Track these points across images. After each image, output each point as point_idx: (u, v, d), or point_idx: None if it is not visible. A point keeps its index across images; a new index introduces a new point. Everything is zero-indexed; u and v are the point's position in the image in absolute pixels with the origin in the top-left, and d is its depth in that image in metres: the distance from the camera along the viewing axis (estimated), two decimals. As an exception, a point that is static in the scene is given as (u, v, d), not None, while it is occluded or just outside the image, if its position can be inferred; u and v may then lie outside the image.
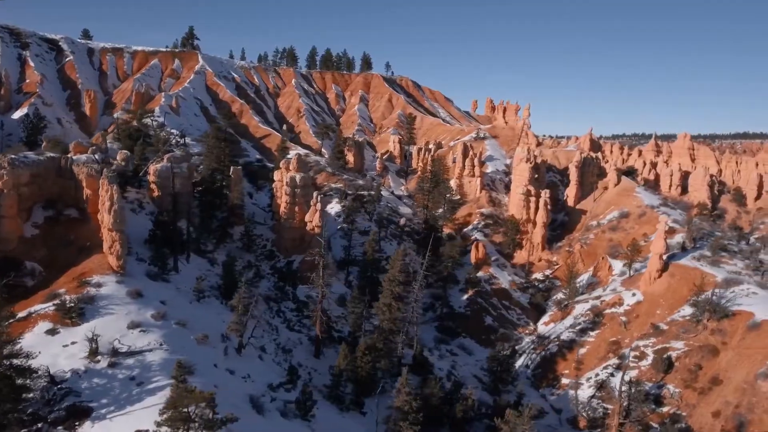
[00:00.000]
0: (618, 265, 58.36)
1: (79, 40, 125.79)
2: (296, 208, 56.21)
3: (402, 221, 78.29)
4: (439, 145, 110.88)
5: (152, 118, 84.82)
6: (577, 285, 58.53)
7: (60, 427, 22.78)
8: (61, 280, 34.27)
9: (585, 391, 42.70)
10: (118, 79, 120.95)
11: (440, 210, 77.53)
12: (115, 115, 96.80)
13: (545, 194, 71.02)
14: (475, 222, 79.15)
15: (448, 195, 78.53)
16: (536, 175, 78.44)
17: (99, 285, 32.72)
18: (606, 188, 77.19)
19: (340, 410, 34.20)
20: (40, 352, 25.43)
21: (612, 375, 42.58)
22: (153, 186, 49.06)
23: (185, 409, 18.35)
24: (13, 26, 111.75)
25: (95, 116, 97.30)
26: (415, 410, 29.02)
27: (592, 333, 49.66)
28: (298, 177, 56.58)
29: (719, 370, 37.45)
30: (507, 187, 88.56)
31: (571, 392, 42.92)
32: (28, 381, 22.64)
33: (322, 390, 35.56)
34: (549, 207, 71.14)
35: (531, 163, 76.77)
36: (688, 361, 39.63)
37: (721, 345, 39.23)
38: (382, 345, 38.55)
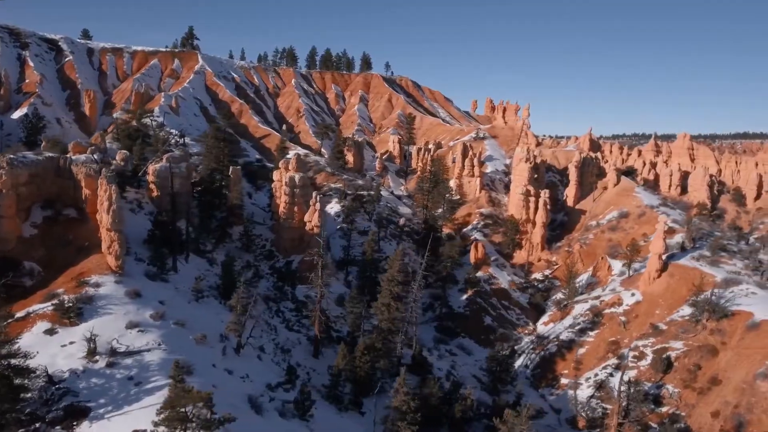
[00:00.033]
0: (617, 265, 58.34)
1: (78, 40, 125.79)
2: (295, 208, 56.17)
3: (401, 221, 78.26)
4: (438, 145, 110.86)
5: (152, 118, 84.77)
6: (577, 285, 58.53)
7: (58, 427, 22.75)
8: (60, 280, 34.24)
9: (584, 391, 42.67)
10: (118, 79, 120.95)
11: (440, 210, 77.51)
12: (114, 115, 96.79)
13: (545, 194, 71.00)
14: (474, 222, 79.13)
15: (447, 195, 78.52)
16: (536, 175, 78.45)
17: (97, 285, 32.69)
18: (605, 188, 77.17)
19: (339, 410, 34.19)
20: (38, 352, 25.44)
21: (611, 375, 42.55)
22: (152, 186, 49.05)
23: (182, 409, 18.33)
24: (12, 26, 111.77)
25: (95, 116, 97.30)
26: (413, 410, 29.00)
27: (591, 333, 49.63)
28: (297, 177, 56.55)
29: (718, 370, 37.42)
30: (506, 187, 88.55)
31: (570, 392, 42.89)
32: (26, 381, 22.58)
33: (321, 390, 35.55)
34: (548, 207, 71.12)
35: (530, 163, 76.77)
36: (687, 361, 39.60)
37: (721, 345, 39.20)
38: (380, 345, 38.53)
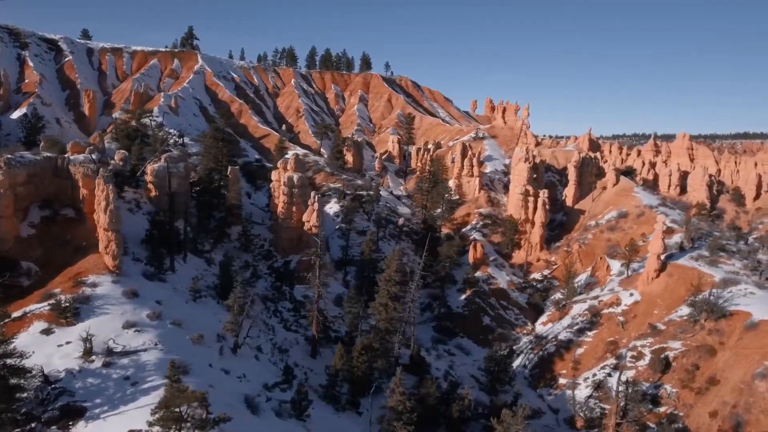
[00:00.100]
0: (616, 265, 58.28)
1: (78, 40, 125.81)
2: (294, 208, 56.16)
3: (400, 221, 78.22)
4: (438, 145, 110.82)
5: (151, 118, 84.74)
6: (575, 285, 58.50)
7: (54, 427, 22.76)
8: (57, 279, 34.26)
9: (582, 391, 42.63)
10: (118, 79, 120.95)
11: (439, 210, 77.45)
12: (114, 115, 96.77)
13: (544, 194, 70.95)
14: (473, 222, 79.08)
15: (446, 195, 78.44)
16: (535, 175, 78.40)
17: (94, 285, 32.70)
18: (605, 188, 77.10)
19: (336, 410, 34.16)
20: (33, 352, 25.46)
21: (609, 375, 42.49)
22: (150, 186, 49.05)
23: (177, 409, 18.30)
24: (12, 26, 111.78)
25: (94, 116, 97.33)
26: (408, 410, 28.96)
27: (589, 333, 49.57)
28: (295, 177, 56.54)
29: (716, 370, 37.36)
30: (506, 187, 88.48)
31: (569, 392, 42.86)
32: (21, 381, 22.62)
33: (318, 390, 35.53)
34: (547, 207, 71.08)
35: (529, 163, 76.73)
36: (685, 361, 39.54)
37: (719, 345, 39.14)
38: (378, 345, 38.47)
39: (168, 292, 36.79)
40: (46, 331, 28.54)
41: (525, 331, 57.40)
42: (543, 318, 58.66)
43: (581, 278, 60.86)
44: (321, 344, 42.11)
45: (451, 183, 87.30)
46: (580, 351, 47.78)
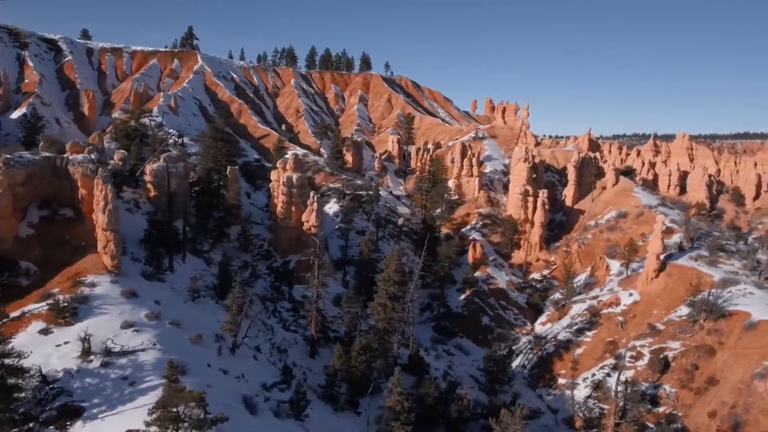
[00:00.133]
0: (615, 265, 58.26)
1: (78, 40, 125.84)
2: (293, 208, 56.13)
3: (400, 221, 78.20)
4: (437, 145, 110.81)
5: (150, 118, 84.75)
6: (575, 285, 58.49)
7: (51, 427, 22.75)
8: (56, 279, 34.28)
9: (581, 391, 42.61)
10: (117, 79, 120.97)
11: (438, 210, 77.47)
12: (113, 115, 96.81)
13: (543, 194, 70.92)
14: (473, 222, 79.03)
15: (446, 195, 78.46)
16: (534, 175, 78.38)
17: (93, 285, 32.71)
18: (604, 188, 77.06)
19: (335, 410, 34.13)
20: (32, 352, 25.43)
21: (608, 375, 42.46)
22: (149, 186, 49.04)
23: (174, 409, 18.28)
24: (12, 26, 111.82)
25: (94, 116, 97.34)
26: (407, 410, 28.94)
27: (588, 333, 49.55)
28: (294, 177, 56.51)
29: (715, 370, 37.34)
30: (505, 187, 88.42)
31: (568, 392, 42.85)
32: (19, 380, 22.62)
33: (317, 390, 35.51)
34: (547, 207, 71.04)
35: (529, 163, 76.70)
36: (684, 361, 39.52)
37: (718, 345, 39.12)
38: (377, 345, 38.42)
39: (167, 292, 36.79)
40: (45, 331, 28.55)
41: (524, 331, 57.37)
42: (542, 318, 58.62)
43: (580, 278, 60.85)
44: (320, 344, 42.09)
45: (451, 183, 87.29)
46: (579, 351, 47.75)
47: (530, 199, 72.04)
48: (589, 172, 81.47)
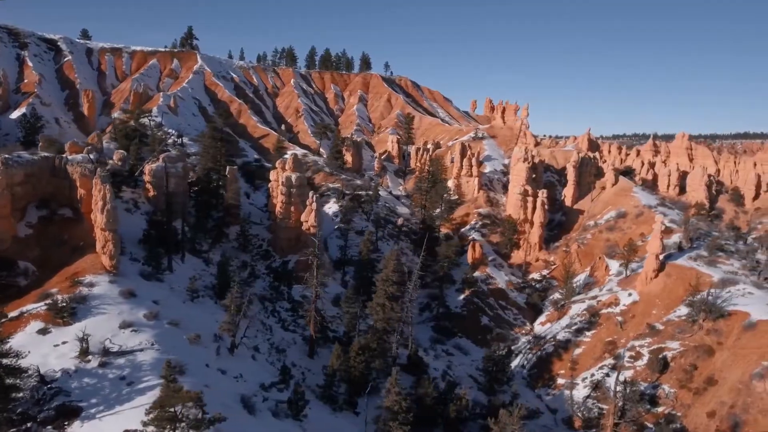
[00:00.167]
0: (615, 265, 58.26)
1: (77, 40, 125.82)
2: (292, 208, 56.11)
3: (399, 221, 78.19)
4: (437, 145, 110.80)
5: (150, 117, 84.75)
6: (574, 285, 58.48)
7: (49, 427, 22.71)
8: (54, 279, 34.25)
9: (580, 391, 42.59)
10: (117, 79, 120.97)
11: (438, 210, 77.44)
12: (113, 115, 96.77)
13: (542, 194, 70.91)
14: (472, 222, 79.01)
15: (445, 195, 78.44)
16: (534, 175, 78.37)
17: (91, 285, 32.68)
18: (604, 188, 77.04)
19: (333, 410, 34.11)
20: (29, 352, 25.44)
21: (607, 375, 42.44)
22: (148, 186, 49.01)
23: (171, 409, 18.27)
24: (11, 26, 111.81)
25: (93, 116, 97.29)
26: (404, 410, 28.93)
27: (588, 333, 49.54)
28: (293, 177, 56.49)
29: (714, 370, 37.34)
30: (505, 187, 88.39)
31: (567, 392, 42.84)
32: (17, 380, 22.58)
33: (315, 390, 35.48)
34: (546, 207, 71.03)
35: (528, 163, 76.69)
36: (683, 361, 39.51)
37: (717, 345, 39.11)
38: (376, 345, 38.40)
39: (165, 292, 36.78)
40: (43, 331, 28.52)
41: (523, 331, 57.36)
42: (541, 318, 58.61)
43: (580, 278, 60.85)
44: (319, 344, 42.07)
45: (450, 183, 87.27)
46: (578, 351, 47.74)
47: (530, 199, 72.03)
48: (589, 172, 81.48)
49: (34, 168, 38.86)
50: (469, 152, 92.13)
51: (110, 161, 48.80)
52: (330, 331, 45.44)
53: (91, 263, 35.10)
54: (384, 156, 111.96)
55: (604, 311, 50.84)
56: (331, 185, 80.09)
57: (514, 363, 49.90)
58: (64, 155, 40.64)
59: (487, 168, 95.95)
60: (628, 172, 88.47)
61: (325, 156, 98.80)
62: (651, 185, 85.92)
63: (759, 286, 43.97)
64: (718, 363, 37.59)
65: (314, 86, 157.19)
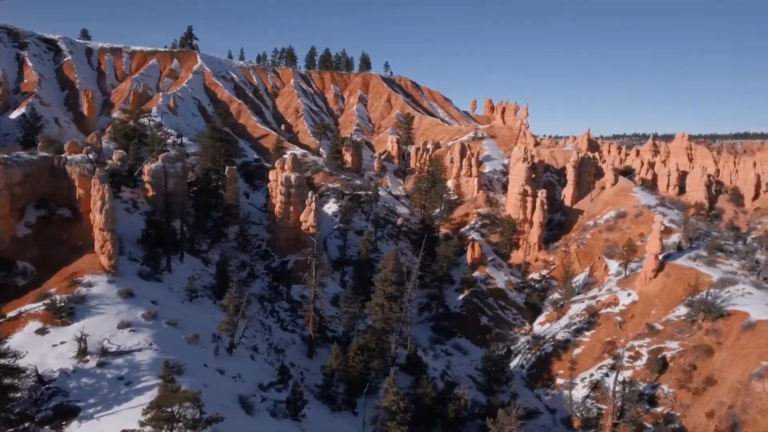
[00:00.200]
0: (614, 265, 58.25)
1: (77, 40, 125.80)
2: (291, 208, 56.09)
3: (399, 221, 78.17)
4: (437, 145, 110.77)
5: (149, 117, 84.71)
6: (573, 285, 58.48)
7: (47, 427, 22.70)
8: (53, 279, 34.24)
9: (579, 391, 42.59)
10: (117, 79, 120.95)
11: (437, 210, 77.40)
12: (113, 115, 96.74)
13: (542, 194, 70.90)
14: (472, 222, 78.99)
15: (445, 195, 78.40)
16: (533, 175, 78.36)
17: (90, 285, 32.67)
18: (603, 188, 77.04)
19: (332, 410, 34.10)
20: (27, 352, 25.45)
21: (606, 375, 42.43)
22: (147, 186, 49.00)
23: (168, 409, 18.24)
24: (11, 26, 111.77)
25: (93, 116, 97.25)
26: (402, 410, 28.91)
27: (587, 333, 49.53)
28: (293, 177, 56.47)
29: (713, 370, 37.32)
30: (504, 187, 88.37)
31: (566, 392, 42.82)
32: (15, 380, 22.55)
33: (314, 390, 35.47)
34: (546, 207, 71.02)
35: (528, 163, 76.67)
36: (682, 362, 39.50)
37: (716, 345, 39.10)
38: (374, 345, 38.41)
39: (164, 291, 36.76)
40: (41, 331, 28.51)
41: (523, 331, 57.34)
42: (541, 318, 58.61)
43: (579, 278, 60.84)
44: (317, 344, 42.06)
45: (450, 183, 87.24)
46: (577, 351, 47.73)
47: (529, 199, 72.01)
48: (588, 172, 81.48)
49: (33, 168, 38.88)
50: (468, 152, 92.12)
51: (109, 161, 48.79)
52: (329, 331, 45.42)
53: (89, 263, 35.10)
54: (384, 156, 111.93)
55: (603, 311, 50.83)
56: (330, 185, 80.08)
57: (513, 363, 49.88)
58: (63, 155, 40.65)
59: (487, 168, 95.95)
60: (628, 172, 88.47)
61: (324, 156, 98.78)
62: (650, 185, 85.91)
63: (758, 286, 43.96)
64: (717, 363, 37.58)
65: (314, 86, 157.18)
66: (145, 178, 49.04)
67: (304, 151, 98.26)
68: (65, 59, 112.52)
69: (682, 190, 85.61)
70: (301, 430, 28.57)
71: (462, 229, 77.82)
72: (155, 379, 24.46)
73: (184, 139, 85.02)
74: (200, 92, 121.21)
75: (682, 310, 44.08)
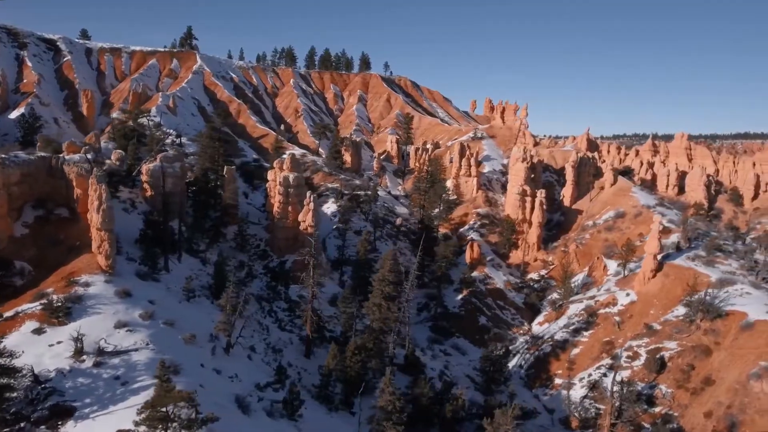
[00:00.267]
0: (613, 265, 58.22)
1: (77, 40, 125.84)
2: (290, 208, 56.05)
3: (398, 221, 78.16)
4: (436, 145, 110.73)
5: (149, 117, 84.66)
6: (572, 285, 58.46)
7: (42, 427, 22.67)
8: (50, 279, 34.18)
9: (577, 392, 42.56)
10: (116, 79, 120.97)
11: (436, 210, 77.35)
12: (112, 115, 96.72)
13: (541, 194, 70.86)
14: (471, 222, 78.97)
15: (444, 195, 78.36)
16: (532, 175, 78.32)
17: (87, 284, 32.61)
18: (602, 188, 76.99)
19: (329, 410, 34.06)
20: (23, 352, 25.40)
21: (605, 375, 42.42)
22: (146, 185, 48.95)
23: (163, 409, 18.22)
24: (11, 26, 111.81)
25: (92, 116, 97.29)
26: (398, 410, 28.88)
27: (585, 333, 49.52)
28: (291, 176, 56.43)
29: (712, 370, 37.30)
30: (504, 187, 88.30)
31: (564, 392, 42.78)
32: (11, 380, 22.53)
33: (311, 390, 35.43)
34: (545, 207, 70.99)
35: (527, 162, 76.62)
36: (680, 362, 39.48)
37: (714, 345, 39.08)
38: (372, 345, 38.38)
39: (161, 291, 36.70)
40: (38, 331, 28.45)
41: (521, 331, 57.31)
42: (539, 318, 58.60)
43: (578, 278, 60.81)
44: (315, 344, 42.02)
45: (449, 183, 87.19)
46: (575, 351, 47.71)
47: (528, 199, 71.98)
48: (588, 172, 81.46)
49: (31, 168, 38.83)
50: (468, 152, 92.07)
51: (108, 161, 48.74)
52: (327, 331, 45.36)
53: (87, 263, 35.04)
54: (383, 156, 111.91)
55: (601, 311, 50.81)
56: (329, 185, 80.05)
57: (512, 363, 49.86)
58: (60, 155, 40.59)
59: (486, 168, 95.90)
60: (627, 172, 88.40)
61: (324, 156, 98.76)
62: (650, 185, 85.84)
63: (757, 286, 43.93)
64: (716, 363, 37.55)
65: (314, 86, 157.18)
66: (144, 177, 49.00)
67: (304, 151, 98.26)
68: (65, 59, 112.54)
69: (681, 190, 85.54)
70: (298, 430, 28.55)
71: (461, 229, 77.80)
72: (151, 379, 24.43)
73: (184, 139, 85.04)
74: (200, 92, 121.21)
75: (681, 310, 44.06)
